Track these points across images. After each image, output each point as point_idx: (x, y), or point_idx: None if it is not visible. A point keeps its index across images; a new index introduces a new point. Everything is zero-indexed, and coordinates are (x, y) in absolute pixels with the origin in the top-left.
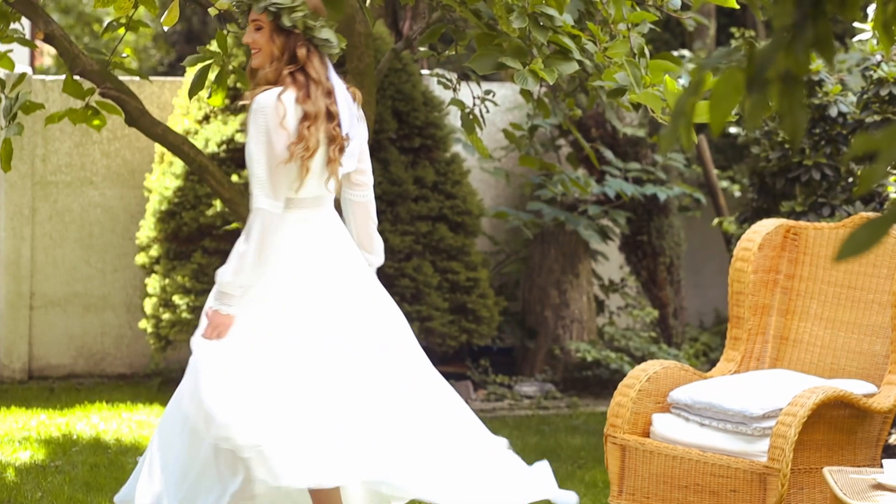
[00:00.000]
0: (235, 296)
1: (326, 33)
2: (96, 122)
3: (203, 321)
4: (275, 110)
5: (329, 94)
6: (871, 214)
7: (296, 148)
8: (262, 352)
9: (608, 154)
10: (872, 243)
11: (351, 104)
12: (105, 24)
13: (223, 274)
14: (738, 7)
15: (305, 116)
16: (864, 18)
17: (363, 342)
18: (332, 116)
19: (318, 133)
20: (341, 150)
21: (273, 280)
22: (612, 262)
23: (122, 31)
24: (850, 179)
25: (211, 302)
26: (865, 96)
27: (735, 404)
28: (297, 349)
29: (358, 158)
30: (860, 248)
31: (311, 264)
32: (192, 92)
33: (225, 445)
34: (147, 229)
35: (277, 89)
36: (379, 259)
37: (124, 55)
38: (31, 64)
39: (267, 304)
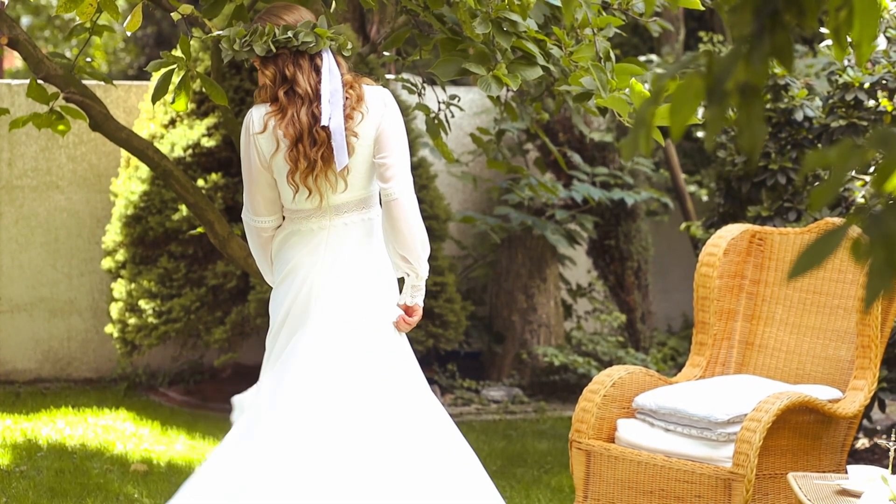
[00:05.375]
0: None
1: (304, 36)
2: (61, 126)
3: None
4: (248, 129)
5: (313, 101)
6: (837, 220)
7: (292, 177)
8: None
9: (576, 158)
10: (820, 261)
11: (340, 96)
12: (70, 28)
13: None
14: (703, 9)
15: (289, 141)
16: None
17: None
18: (316, 122)
19: (303, 151)
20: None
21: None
22: (579, 267)
23: (85, 35)
24: (817, 184)
25: None
26: (831, 101)
27: (700, 410)
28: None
29: (380, 149)
30: (809, 265)
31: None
32: (156, 97)
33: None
34: (113, 234)
35: (263, 108)
36: (415, 269)
37: (89, 59)
38: (0, 67)
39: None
